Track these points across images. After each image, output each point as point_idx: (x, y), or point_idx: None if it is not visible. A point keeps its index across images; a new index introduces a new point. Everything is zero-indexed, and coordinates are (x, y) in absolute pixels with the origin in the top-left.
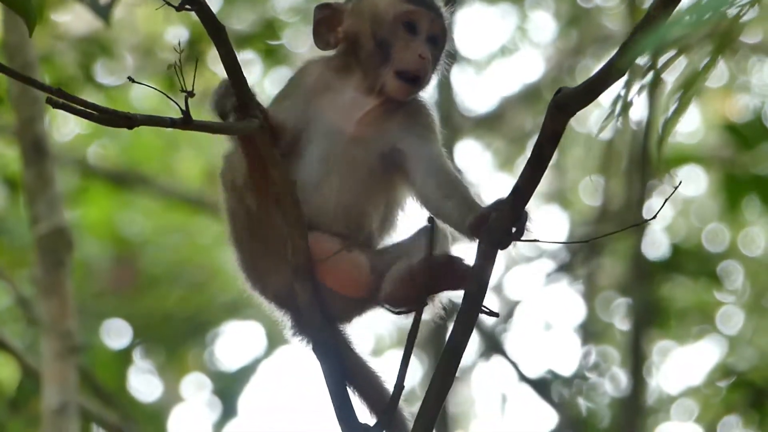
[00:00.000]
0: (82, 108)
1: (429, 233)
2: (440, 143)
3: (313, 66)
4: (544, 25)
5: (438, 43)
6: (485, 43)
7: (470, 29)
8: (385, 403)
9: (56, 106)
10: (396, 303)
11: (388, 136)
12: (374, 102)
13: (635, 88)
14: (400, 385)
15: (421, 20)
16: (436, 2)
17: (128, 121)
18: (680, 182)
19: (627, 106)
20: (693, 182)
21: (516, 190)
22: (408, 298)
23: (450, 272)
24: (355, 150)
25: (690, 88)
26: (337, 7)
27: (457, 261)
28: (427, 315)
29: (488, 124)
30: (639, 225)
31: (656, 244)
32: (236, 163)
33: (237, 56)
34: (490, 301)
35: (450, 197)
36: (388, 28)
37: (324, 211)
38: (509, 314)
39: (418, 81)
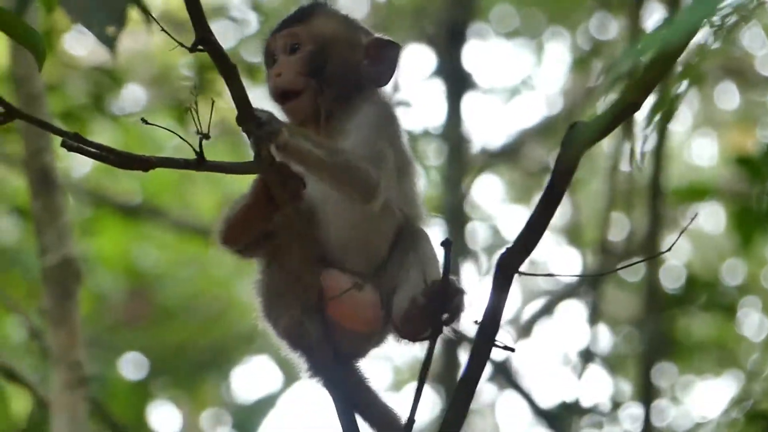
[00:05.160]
0: (97, 152)
1: (445, 255)
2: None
3: None
4: (561, 58)
5: (298, 48)
6: (502, 76)
7: (487, 62)
8: None
9: (71, 149)
10: (409, 334)
11: None
12: (315, 128)
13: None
14: (411, 418)
15: (274, 46)
16: (284, 19)
17: (143, 163)
18: (696, 215)
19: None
20: (711, 217)
21: (529, 225)
22: (419, 328)
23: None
24: None
25: (663, 113)
26: None
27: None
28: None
29: (505, 158)
30: (653, 258)
31: (673, 278)
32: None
33: (248, 94)
34: (507, 334)
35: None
36: (265, 66)
37: (331, 247)
38: (522, 346)
39: (285, 95)
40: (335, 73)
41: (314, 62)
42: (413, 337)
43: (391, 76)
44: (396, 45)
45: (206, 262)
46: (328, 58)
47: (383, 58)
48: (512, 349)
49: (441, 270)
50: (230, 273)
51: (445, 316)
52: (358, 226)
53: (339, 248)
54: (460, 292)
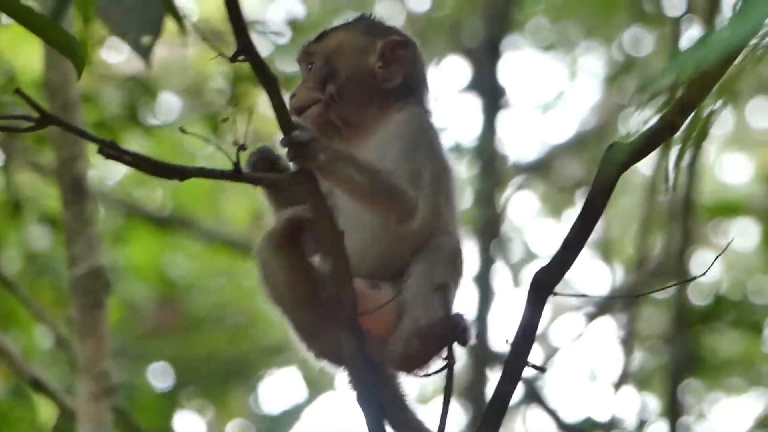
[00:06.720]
0: (133, 160)
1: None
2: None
3: None
4: (595, 72)
5: (311, 65)
6: (536, 90)
7: (521, 76)
8: None
9: (108, 156)
10: (407, 369)
11: None
12: (339, 139)
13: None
14: None
15: (301, 68)
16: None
17: (180, 173)
18: (733, 239)
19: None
20: (742, 234)
21: (565, 245)
22: (416, 367)
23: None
24: None
25: (695, 133)
26: None
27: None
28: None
29: (537, 172)
30: (687, 282)
31: (702, 295)
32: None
33: (287, 106)
34: (536, 351)
35: None
36: None
37: (353, 255)
38: (549, 362)
39: (299, 111)
40: (344, 82)
41: (322, 75)
42: (411, 373)
43: (400, 77)
44: (409, 43)
45: (235, 273)
46: (335, 68)
47: (396, 59)
48: (544, 370)
49: (453, 290)
50: (259, 285)
51: (445, 355)
52: (376, 235)
53: (357, 255)
54: (459, 331)
